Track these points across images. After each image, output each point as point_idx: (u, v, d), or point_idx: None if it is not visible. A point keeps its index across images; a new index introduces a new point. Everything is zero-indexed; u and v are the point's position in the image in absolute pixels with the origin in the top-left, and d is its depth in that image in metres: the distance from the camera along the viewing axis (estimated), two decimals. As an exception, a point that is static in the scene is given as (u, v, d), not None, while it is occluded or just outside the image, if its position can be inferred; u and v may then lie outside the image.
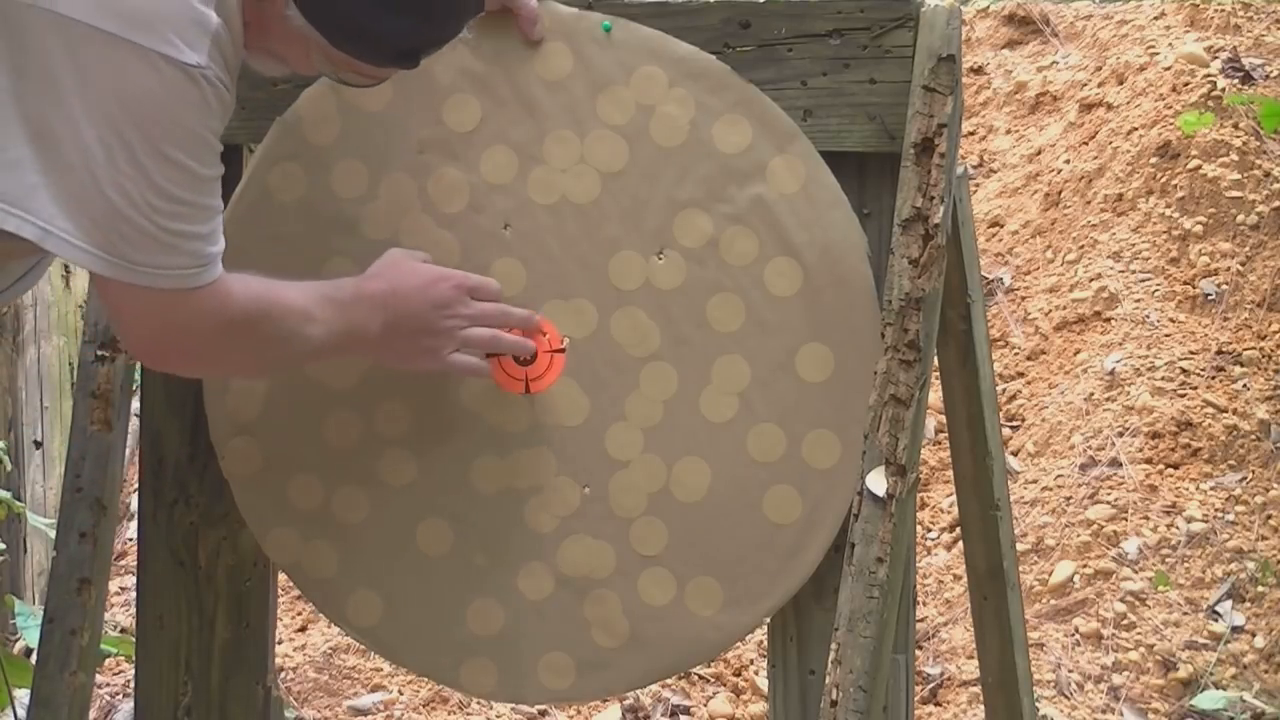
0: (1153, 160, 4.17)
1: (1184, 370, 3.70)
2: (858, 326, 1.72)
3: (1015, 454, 3.76)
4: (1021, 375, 4.03)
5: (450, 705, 3.18)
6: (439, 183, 1.78)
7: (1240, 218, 3.99)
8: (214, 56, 1.41)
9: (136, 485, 3.05)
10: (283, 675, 3.19)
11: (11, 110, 1.39)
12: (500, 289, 1.73)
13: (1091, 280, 4.05)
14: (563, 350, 1.77)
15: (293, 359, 1.65)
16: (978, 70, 5.20)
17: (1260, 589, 3.25)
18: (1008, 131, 4.94)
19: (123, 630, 3.40)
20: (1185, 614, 3.22)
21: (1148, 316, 3.86)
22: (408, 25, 1.49)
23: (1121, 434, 3.59)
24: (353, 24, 1.48)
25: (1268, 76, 4.32)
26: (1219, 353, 3.73)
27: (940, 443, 3.79)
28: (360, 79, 1.57)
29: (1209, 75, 4.25)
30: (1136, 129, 4.30)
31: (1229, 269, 3.90)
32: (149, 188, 1.40)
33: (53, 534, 1.95)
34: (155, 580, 1.86)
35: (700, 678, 3.25)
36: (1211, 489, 3.45)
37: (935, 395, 2.42)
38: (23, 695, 2.19)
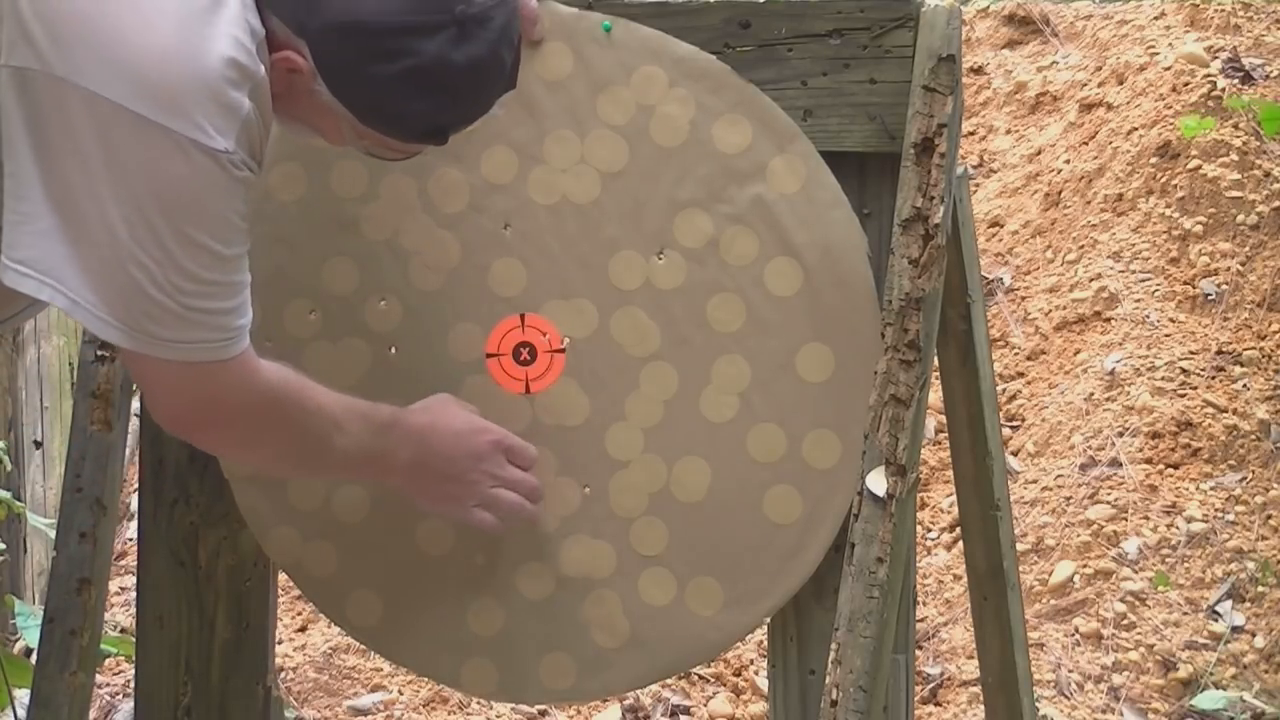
0: (1153, 160, 4.17)
1: (1184, 370, 3.70)
2: (858, 326, 1.72)
3: (1015, 454, 3.76)
4: (1021, 375, 4.03)
5: (450, 705, 3.18)
6: (439, 182, 1.78)
7: (1240, 218, 3.99)
8: (241, 141, 1.41)
9: (136, 485, 3.05)
10: (283, 675, 3.19)
11: (37, 182, 1.39)
12: (535, 455, 1.72)
13: (1091, 280, 4.05)
14: (563, 350, 1.77)
15: (318, 460, 1.64)
16: (978, 70, 5.19)
17: (1260, 589, 3.25)
18: (1008, 131, 4.94)
19: (123, 630, 3.40)
20: (1185, 614, 3.22)
21: (1148, 316, 3.86)
22: (435, 106, 1.49)
23: (1121, 434, 3.59)
24: (380, 104, 1.48)
25: (1268, 77, 4.32)
26: (1219, 353, 3.73)
27: (940, 443, 3.79)
28: (390, 153, 1.57)
29: (1209, 75, 4.25)
30: (1136, 129, 4.30)
31: (1229, 269, 3.90)
32: (173, 269, 1.41)
33: (53, 534, 1.95)
34: (155, 580, 1.86)
35: (700, 678, 3.25)
36: (1211, 489, 3.45)
37: (935, 395, 2.42)
38: (23, 695, 2.19)
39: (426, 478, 1.68)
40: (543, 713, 3.18)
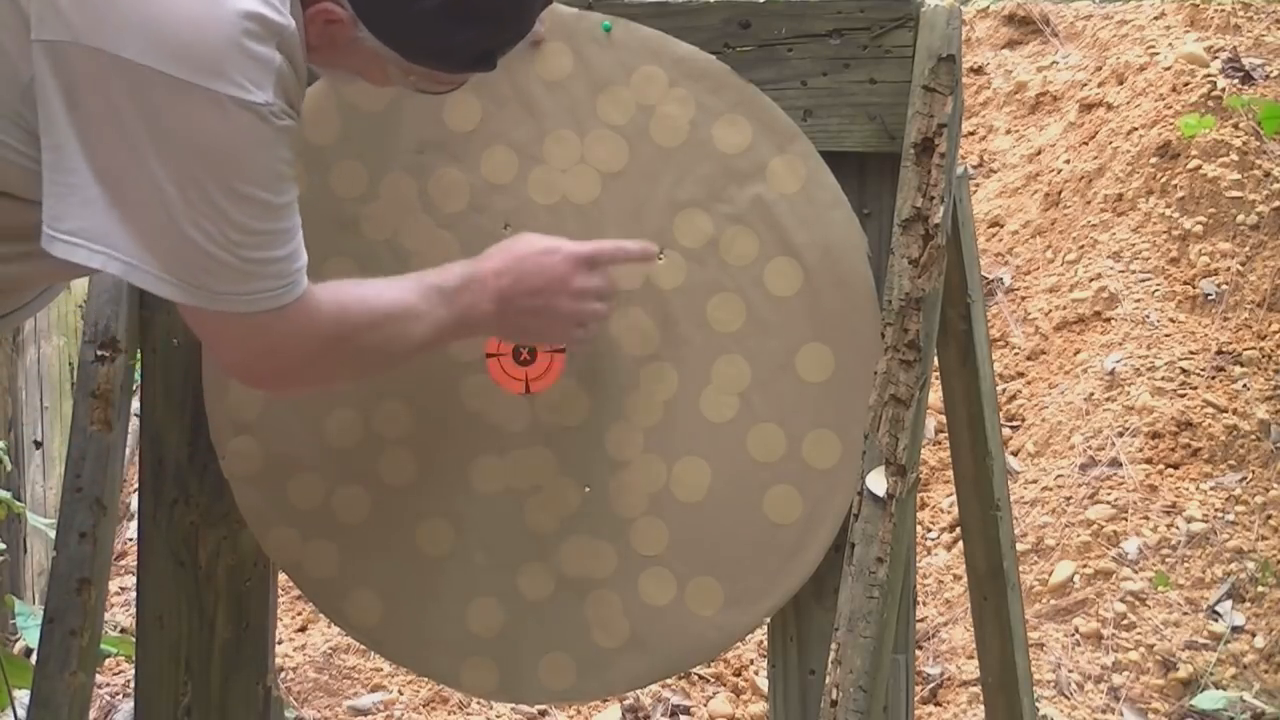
0: (1153, 160, 4.17)
1: (1184, 370, 3.70)
2: (858, 326, 1.72)
3: (1015, 454, 3.76)
4: (1021, 375, 4.03)
5: (450, 705, 3.18)
6: (439, 182, 1.78)
7: (1240, 218, 3.99)
8: (279, 92, 1.41)
9: (136, 485, 3.05)
10: (283, 675, 3.19)
11: (79, 153, 1.39)
12: (612, 249, 1.70)
13: (1091, 280, 4.05)
14: (563, 350, 1.77)
15: (398, 358, 1.64)
16: (978, 70, 5.20)
17: (1260, 589, 3.25)
18: (1008, 131, 4.94)
19: (123, 630, 3.40)
20: (1185, 614, 3.22)
21: (1148, 316, 3.86)
22: (480, 32, 1.49)
23: (1121, 434, 3.59)
24: (425, 39, 1.48)
25: (1268, 76, 4.32)
26: (1219, 353, 3.73)
27: (940, 443, 3.79)
28: (439, 86, 1.57)
29: (1209, 75, 4.25)
30: (1136, 129, 4.30)
31: (1229, 269, 3.90)
32: (227, 224, 1.41)
33: (53, 534, 1.95)
34: (155, 580, 1.86)
35: (700, 678, 3.25)
36: (1211, 489, 3.45)
37: (935, 395, 2.42)
38: (23, 695, 2.19)
39: (517, 320, 1.65)
40: (543, 713, 3.18)
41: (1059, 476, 3.58)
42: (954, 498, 2.16)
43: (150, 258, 1.40)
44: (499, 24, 1.51)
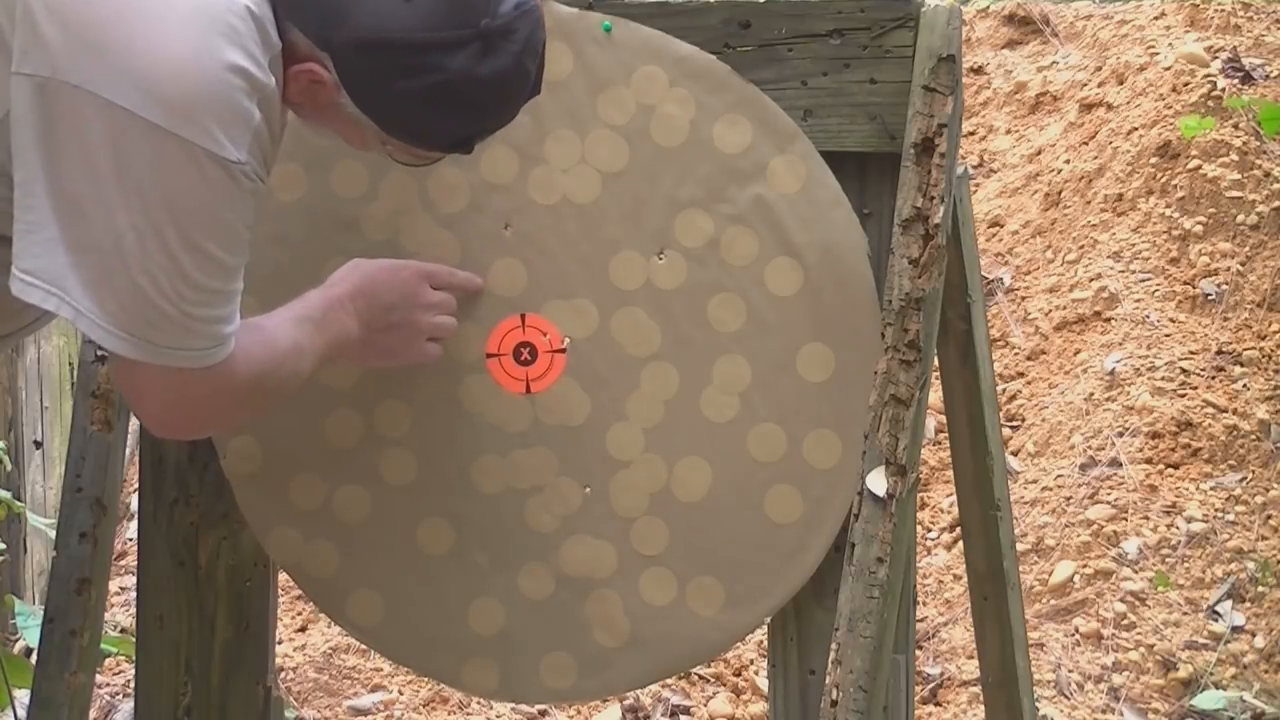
0: (1153, 160, 4.17)
1: (1184, 370, 3.70)
2: (858, 326, 1.72)
3: (1015, 454, 3.76)
4: (1021, 375, 4.03)
5: (450, 705, 3.18)
6: (439, 182, 1.78)
7: (1240, 218, 3.99)
8: (254, 151, 1.41)
9: (136, 485, 3.05)
10: (283, 675, 3.19)
11: (44, 189, 1.39)
12: (448, 274, 1.74)
13: (1091, 280, 4.05)
14: (563, 350, 1.77)
15: (292, 394, 1.66)
16: (978, 70, 5.20)
17: (1260, 589, 3.25)
18: (1008, 131, 4.94)
19: (123, 630, 3.40)
20: (1185, 614, 3.22)
21: (1148, 316, 3.86)
22: (461, 120, 1.49)
23: (1121, 434, 3.59)
24: (405, 118, 1.47)
25: (1268, 77, 4.32)
26: (1219, 353, 3.73)
27: (940, 443, 3.79)
28: (415, 160, 1.57)
29: (1209, 75, 4.25)
30: (1136, 129, 4.30)
31: (1229, 269, 3.91)
32: (179, 278, 1.41)
33: (53, 534, 1.95)
34: (155, 580, 1.86)
35: (700, 678, 3.25)
36: (1211, 489, 3.45)
37: (935, 395, 2.42)
38: (23, 695, 2.19)
39: (378, 337, 1.68)
40: (543, 713, 3.18)
41: (1059, 476, 3.58)
42: (954, 498, 2.16)
43: (95, 306, 1.40)
44: (481, 114, 1.50)
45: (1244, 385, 3.64)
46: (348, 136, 1.55)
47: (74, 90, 1.36)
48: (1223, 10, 4.59)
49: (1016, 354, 4.09)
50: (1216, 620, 3.21)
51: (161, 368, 1.45)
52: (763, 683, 3.16)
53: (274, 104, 1.44)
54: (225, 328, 1.48)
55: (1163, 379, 3.68)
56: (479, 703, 3.16)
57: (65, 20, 1.36)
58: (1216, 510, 3.41)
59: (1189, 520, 3.39)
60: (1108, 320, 3.93)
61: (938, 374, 1.82)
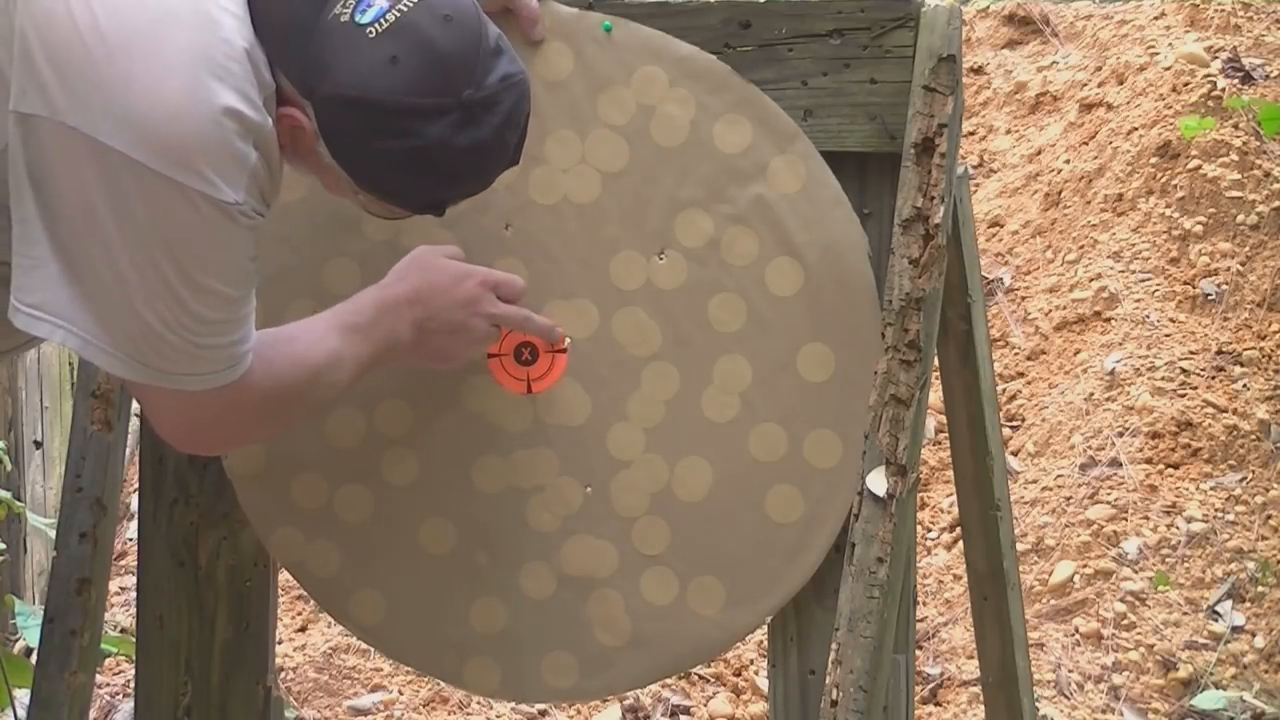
0: (1153, 160, 4.17)
1: (1184, 370, 3.70)
2: (859, 326, 1.73)
3: (1015, 454, 3.76)
4: (1021, 375, 4.04)
5: (450, 705, 3.18)
6: (440, 183, 1.77)
7: (1240, 218, 3.99)
8: (251, 191, 1.42)
9: (136, 485, 3.05)
10: (283, 675, 3.19)
11: (39, 227, 1.40)
12: (524, 286, 1.73)
13: (1091, 280, 4.06)
14: (564, 350, 1.77)
15: (328, 404, 1.66)
16: (978, 70, 5.20)
17: (1260, 589, 3.25)
18: (1008, 131, 4.94)
19: (123, 630, 3.40)
20: (1185, 614, 3.22)
21: (1148, 316, 3.86)
22: (434, 185, 1.49)
23: (1121, 434, 3.59)
24: (379, 177, 1.48)
25: (1268, 77, 4.32)
26: (1219, 353, 3.74)
27: (940, 443, 3.79)
28: (389, 215, 1.57)
29: (1209, 75, 4.25)
30: (1136, 129, 4.30)
31: (1229, 269, 3.91)
32: (183, 312, 1.42)
33: (53, 534, 1.95)
34: (155, 580, 1.86)
35: (700, 678, 3.25)
36: (1211, 489, 3.46)
37: (935, 395, 2.42)
38: (23, 695, 2.19)
39: (433, 343, 1.67)
40: (543, 713, 3.18)
41: (1059, 476, 3.58)
42: (954, 498, 2.16)
43: (104, 334, 1.41)
44: (454, 182, 1.50)
45: (1244, 385, 3.64)
46: (325, 183, 1.56)
47: (70, 131, 1.36)
48: (1223, 10, 4.59)
49: (1016, 354, 4.09)
50: (1216, 620, 3.21)
51: (175, 391, 1.46)
52: (763, 683, 3.16)
53: (271, 141, 1.44)
54: (238, 349, 1.48)
55: (1163, 379, 3.68)
56: (479, 703, 3.16)
57: (59, 61, 1.36)
58: (1216, 510, 3.41)
59: (1189, 520, 3.39)
60: (1108, 320, 3.93)
61: (938, 374, 1.82)
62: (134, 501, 3.66)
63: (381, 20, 1.41)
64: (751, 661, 3.30)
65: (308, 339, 1.59)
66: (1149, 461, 3.53)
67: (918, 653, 3.23)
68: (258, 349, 1.52)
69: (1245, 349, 3.74)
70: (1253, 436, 3.53)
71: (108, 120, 1.36)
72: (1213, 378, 3.67)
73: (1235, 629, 3.19)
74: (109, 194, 1.37)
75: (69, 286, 1.40)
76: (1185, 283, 3.93)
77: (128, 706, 3.16)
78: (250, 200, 1.42)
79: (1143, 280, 3.98)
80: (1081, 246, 4.20)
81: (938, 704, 3.19)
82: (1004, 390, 3.96)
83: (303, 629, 3.43)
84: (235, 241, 1.43)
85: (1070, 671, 3.14)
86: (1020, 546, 3.34)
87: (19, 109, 1.38)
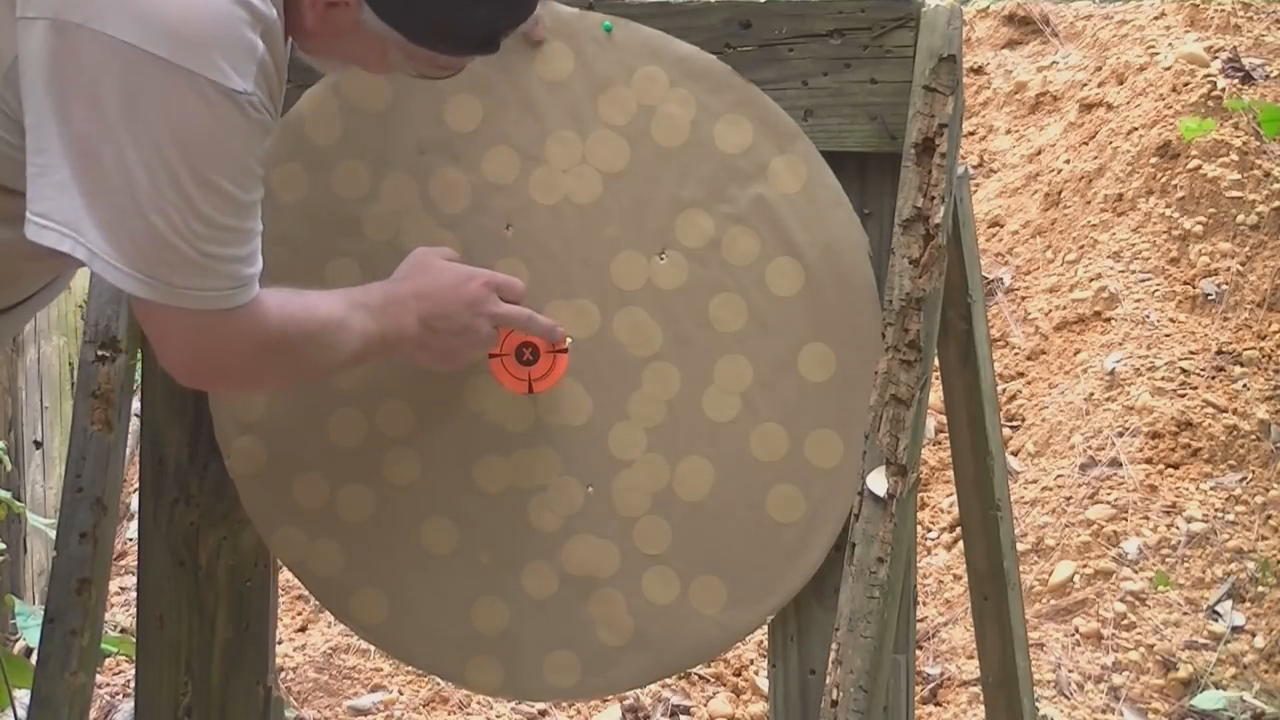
0: (1153, 160, 4.17)
1: (1184, 370, 3.70)
2: (859, 326, 1.73)
3: (1015, 454, 3.76)
4: (1021, 375, 4.03)
5: (450, 705, 3.18)
6: (440, 183, 1.78)
7: (1240, 218, 3.99)
8: (260, 83, 1.42)
9: (136, 485, 3.05)
10: (283, 675, 3.19)
11: (55, 132, 1.39)
12: (525, 288, 1.73)
13: (1091, 280, 4.05)
14: (565, 350, 1.77)
15: (329, 369, 1.66)
16: (978, 70, 5.20)
17: (1260, 589, 3.25)
18: (1008, 131, 4.94)
19: (123, 630, 3.40)
20: (1185, 614, 3.22)
21: (1148, 316, 3.86)
22: (487, 13, 1.51)
23: (1121, 434, 3.59)
24: (431, 20, 1.49)
25: (1268, 77, 4.32)
26: (1219, 353, 3.73)
27: (940, 443, 3.79)
28: (439, 71, 1.58)
29: (1209, 75, 4.25)
30: (1136, 129, 4.30)
31: (1229, 269, 3.91)
32: (192, 214, 1.41)
33: (53, 534, 1.95)
34: (155, 580, 1.86)
35: (700, 678, 3.25)
36: (1211, 489, 3.45)
37: (935, 395, 2.42)
38: (23, 695, 2.19)
39: (435, 341, 1.68)
40: (543, 713, 3.18)
41: (1059, 476, 3.58)
42: (954, 498, 2.16)
43: (110, 248, 1.40)
44: (506, 4, 1.52)
45: (1244, 385, 3.64)
46: (368, 61, 1.56)
47: (78, 29, 1.36)
48: (1223, 10, 4.59)
49: (1016, 354, 4.09)
50: (1216, 620, 3.21)
51: (183, 310, 1.45)
52: (763, 683, 3.16)
53: (277, 36, 1.44)
54: (245, 269, 1.47)
55: (1163, 379, 3.68)
56: (479, 702, 3.16)
57: None
58: (1216, 510, 3.41)
59: (1189, 520, 3.39)
60: (1108, 320, 3.93)
61: (938, 374, 1.82)
62: (134, 501, 3.66)
63: None
64: (751, 661, 3.30)
65: (319, 298, 1.60)
66: (1149, 461, 3.53)
67: (918, 653, 3.23)
68: (271, 293, 1.52)
69: (1245, 349, 3.74)
70: (1253, 436, 3.53)
71: (116, 14, 1.36)
72: (1213, 378, 3.67)
73: (1235, 629, 3.19)
74: (119, 89, 1.37)
75: (79, 195, 1.39)
76: (1185, 283, 3.93)
77: (128, 706, 3.16)
78: (259, 93, 1.42)
79: (1143, 280, 3.98)
80: (1081, 246, 4.20)
81: (938, 704, 3.18)
82: (1004, 390, 3.96)
83: (303, 629, 3.43)
84: (244, 135, 1.42)
85: (1070, 671, 3.14)
86: (1020, 546, 3.34)
87: (24, 14, 1.38)
